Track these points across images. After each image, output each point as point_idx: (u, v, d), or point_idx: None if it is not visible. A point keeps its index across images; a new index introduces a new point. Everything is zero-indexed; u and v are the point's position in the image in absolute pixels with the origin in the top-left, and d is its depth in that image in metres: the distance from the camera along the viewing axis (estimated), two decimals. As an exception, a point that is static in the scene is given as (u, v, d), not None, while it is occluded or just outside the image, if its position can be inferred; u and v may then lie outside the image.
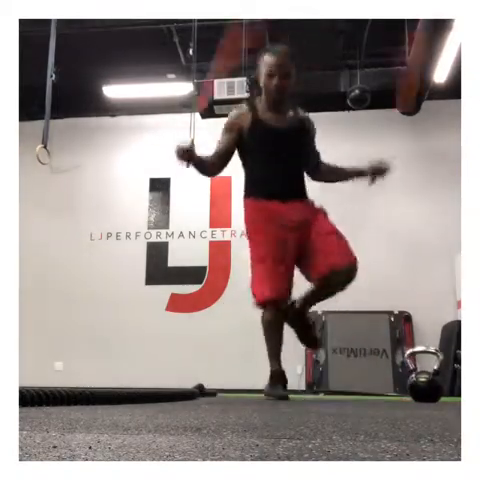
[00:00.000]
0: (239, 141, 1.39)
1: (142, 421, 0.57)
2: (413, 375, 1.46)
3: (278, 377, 1.38)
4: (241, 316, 3.41)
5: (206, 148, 2.71)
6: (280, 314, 1.39)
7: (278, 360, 1.40)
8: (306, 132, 1.40)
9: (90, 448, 0.36)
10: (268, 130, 1.35)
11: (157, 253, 3.68)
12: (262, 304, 1.37)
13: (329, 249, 1.31)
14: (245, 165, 1.48)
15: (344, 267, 1.32)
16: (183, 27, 3.00)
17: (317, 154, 1.46)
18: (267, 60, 1.33)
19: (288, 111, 1.41)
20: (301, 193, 1.40)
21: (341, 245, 1.33)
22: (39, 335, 3.42)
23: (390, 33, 3.05)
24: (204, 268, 3.59)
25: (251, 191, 1.46)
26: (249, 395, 1.78)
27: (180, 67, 3.41)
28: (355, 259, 1.36)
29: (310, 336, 1.49)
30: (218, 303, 3.57)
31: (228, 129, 1.41)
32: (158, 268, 3.63)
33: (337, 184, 4.37)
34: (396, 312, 3.25)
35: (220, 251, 3.60)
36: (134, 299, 3.59)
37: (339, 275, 1.32)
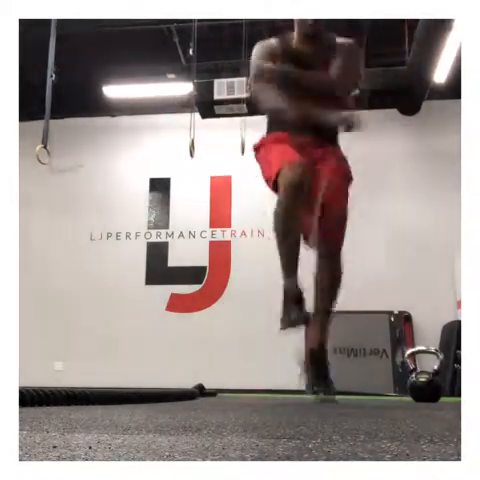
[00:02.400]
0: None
1: (142, 421, 0.57)
2: (413, 375, 1.46)
3: (292, 298, 1.07)
4: (241, 316, 3.41)
5: (205, 147, 2.69)
6: (305, 177, 1.06)
7: (294, 271, 1.08)
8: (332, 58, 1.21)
9: (90, 448, 0.36)
10: (299, 62, 1.19)
11: (157, 253, 3.68)
12: (283, 173, 1.09)
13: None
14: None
15: None
16: (183, 27, 3.00)
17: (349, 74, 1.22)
18: None
19: (324, 48, 1.24)
20: (328, 139, 1.21)
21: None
22: (39, 335, 3.41)
23: (390, 33, 3.05)
24: (204, 268, 3.59)
25: (275, 126, 1.24)
26: (249, 395, 1.79)
27: (180, 67, 3.41)
28: None
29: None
30: (218, 303, 3.57)
31: (260, 57, 1.22)
32: (158, 268, 3.63)
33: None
34: (396, 312, 3.25)
35: (220, 251, 3.60)
36: (134, 299, 3.59)
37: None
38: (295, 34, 1.27)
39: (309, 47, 1.25)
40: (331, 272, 1.18)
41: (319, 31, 1.24)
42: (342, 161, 1.28)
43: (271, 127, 1.27)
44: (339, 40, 1.28)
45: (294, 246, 1.16)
